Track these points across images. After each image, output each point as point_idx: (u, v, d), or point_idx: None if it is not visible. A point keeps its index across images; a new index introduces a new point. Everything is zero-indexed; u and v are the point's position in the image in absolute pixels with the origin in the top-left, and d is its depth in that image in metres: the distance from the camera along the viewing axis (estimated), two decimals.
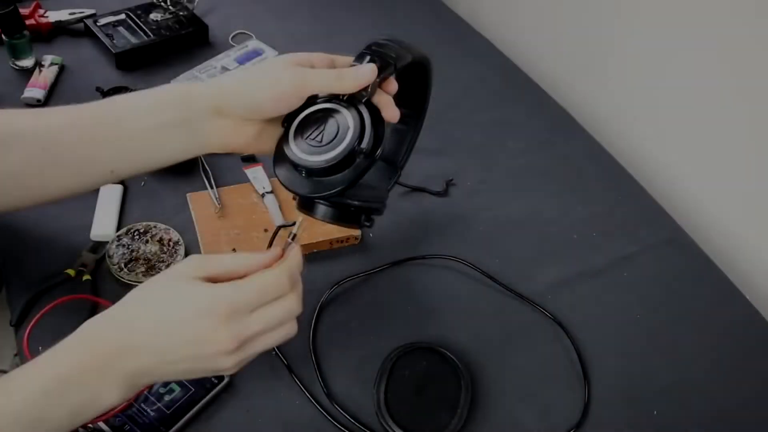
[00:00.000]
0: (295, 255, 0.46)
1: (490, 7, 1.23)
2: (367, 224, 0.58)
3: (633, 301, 0.75)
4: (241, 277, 0.44)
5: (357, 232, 0.73)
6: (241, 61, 0.94)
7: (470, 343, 0.67)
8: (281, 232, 0.49)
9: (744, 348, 0.72)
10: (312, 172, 0.49)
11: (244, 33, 1.03)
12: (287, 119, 0.52)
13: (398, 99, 0.63)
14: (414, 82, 0.61)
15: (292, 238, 0.47)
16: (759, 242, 0.84)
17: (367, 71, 0.49)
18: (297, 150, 0.49)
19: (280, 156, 0.51)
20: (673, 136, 0.93)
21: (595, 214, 0.85)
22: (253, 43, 0.98)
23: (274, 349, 0.62)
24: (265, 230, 0.72)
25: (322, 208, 0.53)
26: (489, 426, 0.61)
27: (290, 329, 0.46)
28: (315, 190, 0.49)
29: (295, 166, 0.49)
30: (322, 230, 0.71)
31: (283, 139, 0.51)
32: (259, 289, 0.43)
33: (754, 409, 0.67)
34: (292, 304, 0.45)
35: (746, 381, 0.69)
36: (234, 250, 0.69)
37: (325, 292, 0.68)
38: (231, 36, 1.02)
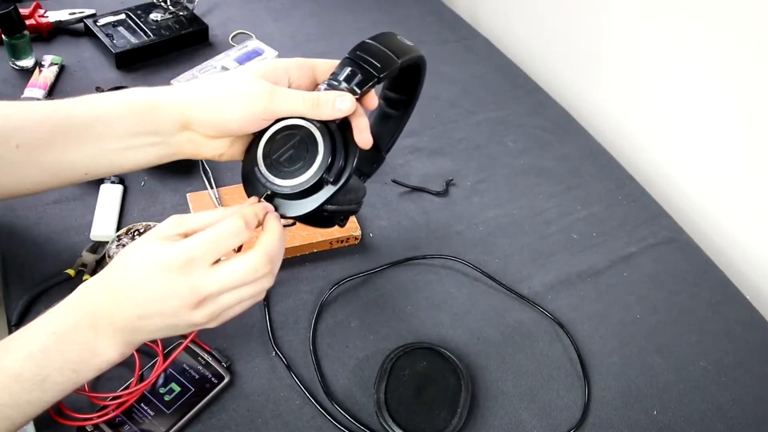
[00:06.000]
0: (246, 209, 0.45)
1: (490, 7, 1.23)
2: (341, 224, 0.57)
3: (633, 301, 0.75)
4: None
5: (357, 232, 0.73)
6: (241, 61, 0.94)
7: (470, 343, 0.67)
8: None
9: (744, 348, 0.72)
10: (277, 195, 0.48)
11: (244, 33, 1.03)
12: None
13: (390, 83, 0.62)
14: (407, 71, 0.60)
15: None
16: (759, 242, 0.85)
17: (346, 103, 0.48)
18: (264, 170, 0.48)
19: (246, 170, 0.50)
20: (674, 136, 0.93)
21: (595, 214, 0.85)
22: (253, 43, 0.98)
23: (274, 349, 0.63)
24: None
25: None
26: (489, 426, 0.61)
27: (266, 284, 0.45)
28: (279, 209, 0.49)
29: (262, 184, 0.49)
30: (322, 230, 0.71)
31: (252, 154, 0.50)
32: (212, 237, 0.43)
33: (753, 409, 0.67)
34: (249, 262, 0.43)
35: (746, 381, 0.69)
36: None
37: (325, 292, 0.68)
38: (231, 36, 1.02)
